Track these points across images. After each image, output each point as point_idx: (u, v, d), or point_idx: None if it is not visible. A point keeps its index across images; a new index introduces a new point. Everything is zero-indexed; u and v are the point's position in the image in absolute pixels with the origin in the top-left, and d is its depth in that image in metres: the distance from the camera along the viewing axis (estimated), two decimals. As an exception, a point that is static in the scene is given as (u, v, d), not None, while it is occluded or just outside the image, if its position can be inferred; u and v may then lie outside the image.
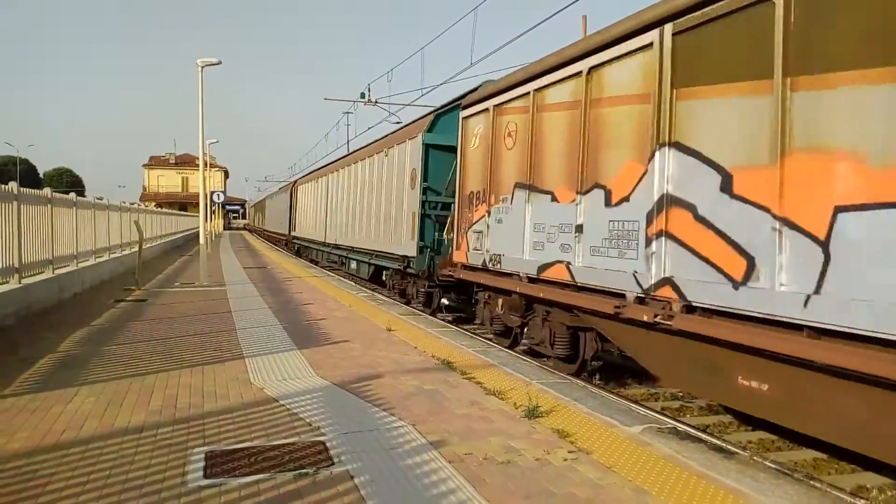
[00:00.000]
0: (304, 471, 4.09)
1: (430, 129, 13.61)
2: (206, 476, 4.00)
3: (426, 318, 11.27)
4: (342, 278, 19.57)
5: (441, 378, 6.58)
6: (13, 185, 10.23)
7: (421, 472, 4.12)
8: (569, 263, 7.75)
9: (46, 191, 12.23)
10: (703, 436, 5.70)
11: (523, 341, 10.00)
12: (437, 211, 13.35)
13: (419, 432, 4.87)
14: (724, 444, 5.37)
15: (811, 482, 4.92)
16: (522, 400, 5.63)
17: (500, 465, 4.27)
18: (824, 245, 4.56)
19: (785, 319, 4.81)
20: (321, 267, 24.72)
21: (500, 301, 9.95)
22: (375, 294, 15.06)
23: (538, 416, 5.29)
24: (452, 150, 11.97)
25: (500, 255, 9.62)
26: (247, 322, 10.00)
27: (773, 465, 5.10)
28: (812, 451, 6.09)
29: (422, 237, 13.30)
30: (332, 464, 4.22)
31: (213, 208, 46.74)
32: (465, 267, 10.99)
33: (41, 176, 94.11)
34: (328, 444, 4.56)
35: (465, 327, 11.76)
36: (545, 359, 9.03)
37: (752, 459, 4.81)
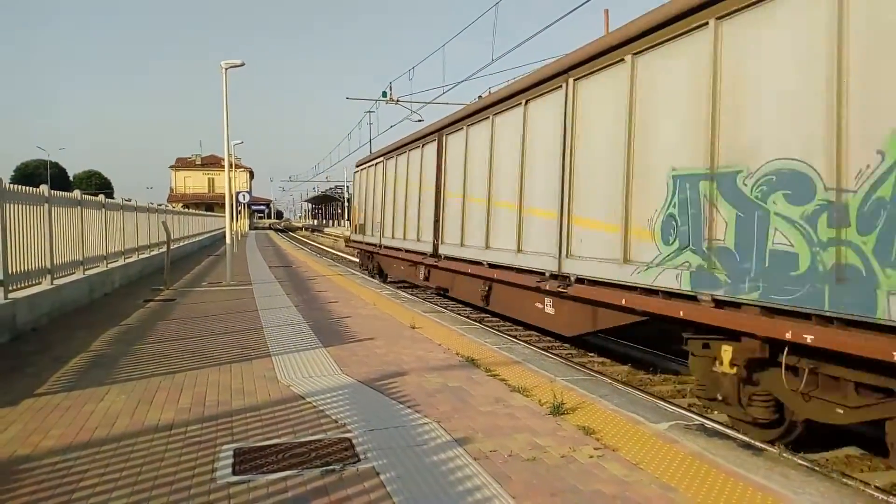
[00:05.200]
0: (331, 467, 4.12)
1: None
2: (234, 473, 4.05)
3: (451, 315, 11.27)
4: (366, 276, 19.64)
5: (465, 375, 6.59)
6: (44, 188, 10.44)
7: (446, 468, 4.13)
8: None
9: (76, 193, 12.46)
10: (732, 432, 5.64)
11: None
12: None
13: (444, 429, 4.88)
14: (752, 441, 5.31)
15: (843, 479, 4.84)
16: (547, 397, 5.61)
17: (525, 462, 4.26)
18: None
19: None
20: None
21: None
22: (399, 292, 15.10)
23: (563, 412, 5.27)
24: None
25: None
26: (273, 320, 10.10)
27: (804, 463, 5.02)
28: (844, 448, 6.00)
29: None
30: (359, 460, 4.25)
31: (239, 208, 47.24)
32: None
33: (71, 179, 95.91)
34: (354, 441, 4.59)
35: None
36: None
37: (782, 456, 4.75)
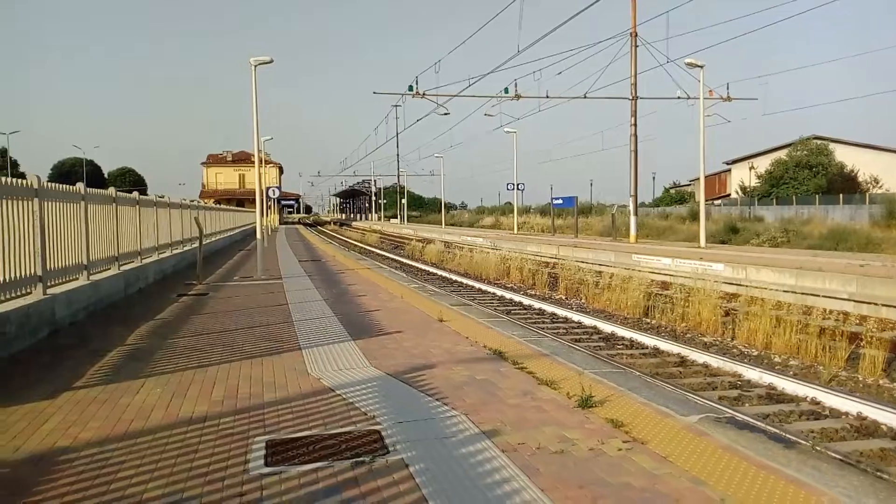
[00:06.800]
0: (361, 459, 4.18)
1: None
2: (267, 464, 4.13)
3: (478, 309, 11.30)
4: (394, 270, 19.74)
5: (493, 368, 6.61)
6: (80, 186, 10.67)
7: (475, 461, 4.16)
8: None
9: (111, 190, 12.72)
10: (763, 425, 5.58)
11: None
12: None
13: (472, 422, 4.91)
14: (784, 434, 5.25)
15: (877, 472, 4.77)
16: (575, 390, 5.60)
17: (553, 454, 4.27)
18: None
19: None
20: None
21: None
22: (426, 286, 15.16)
23: (592, 405, 5.26)
24: None
25: None
26: (303, 314, 10.22)
27: (837, 456, 4.96)
28: (879, 441, 5.89)
29: None
30: (388, 452, 4.30)
31: (269, 204, 47.72)
32: None
33: (106, 176, 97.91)
34: (384, 433, 4.64)
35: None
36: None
37: (814, 449, 4.69)
